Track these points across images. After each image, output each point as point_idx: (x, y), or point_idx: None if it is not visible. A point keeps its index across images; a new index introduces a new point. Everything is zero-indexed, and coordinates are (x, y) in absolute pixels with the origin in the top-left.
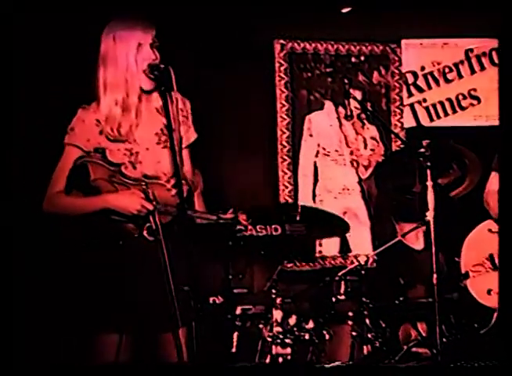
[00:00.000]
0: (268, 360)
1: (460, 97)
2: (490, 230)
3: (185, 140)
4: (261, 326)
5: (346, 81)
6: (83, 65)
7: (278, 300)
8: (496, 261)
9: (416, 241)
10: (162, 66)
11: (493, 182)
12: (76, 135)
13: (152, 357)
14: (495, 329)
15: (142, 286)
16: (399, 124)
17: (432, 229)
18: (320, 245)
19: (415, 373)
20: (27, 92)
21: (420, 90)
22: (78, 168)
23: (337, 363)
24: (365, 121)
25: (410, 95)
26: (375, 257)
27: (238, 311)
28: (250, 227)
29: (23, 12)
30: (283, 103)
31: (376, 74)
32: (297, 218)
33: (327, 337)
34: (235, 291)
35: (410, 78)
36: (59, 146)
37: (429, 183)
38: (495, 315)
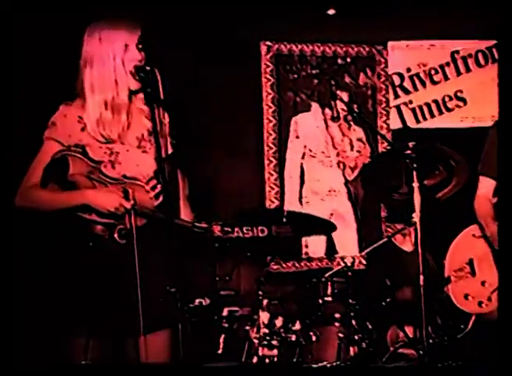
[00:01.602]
0: (254, 362)
1: (446, 99)
2: (474, 235)
3: (163, 151)
4: (247, 327)
5: (332, 82)
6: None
7: (264, 302)
8: (475, 266)
9: (404, 243)
10: (148, 68)
11: (481, 186)
12: (57, 129)
13: (118, 360)
14: (472, 334)
15: (113, 289)
16: (385, 126)
17: (419, 230)
18: (306, 247)
19: (402, 373)
20: (27, 92)
21: (407, 92)
22: (57, 161)
23: (324, 363)
24: (351, 123)
25: (396, 96)
26: (361, 258)
27: (225, 313)
28: (236, 229)
29: (23, 12)
30: (270, 104)
31: (362, 75)
32: (284, 220)
33: (314, 338)
34: (221, 292)
35: (396, 80)
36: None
37: (415, 185)
38: (472, 320)
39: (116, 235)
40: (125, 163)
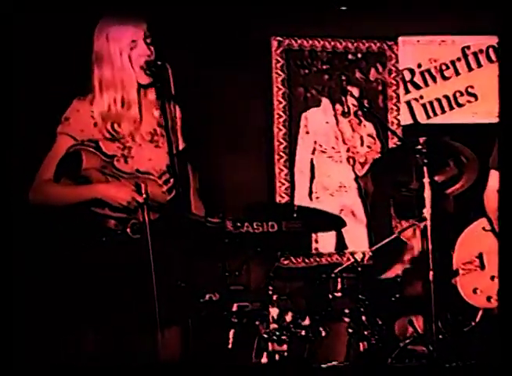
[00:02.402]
0: (264, 357)
1: (457, 94)
2: (484, 228)
3: (174, 147)
4: (257, 323)
5: (343, 78)
6: (83, 62)
7: (274, 297)
8: (485, 260)
9: (413, 238)
10: (159, 62)
11: (491, 180)
12: (70, 124)
13: (133, 356)
14: (479, 328)
15: (126, 284)
16: (396, 122)
17: (429, 226)
18: (316, 242)
19: (410, 372)
20: (27, 91)
21: (417, 87)
22: (70, 155)
23: (333, 363)
24: (362, 118)
25: (407, 92)
26: (371, 254)
27: (234, 308)
28: (246, 224)
29: (23, 12)
30: (280, 99)
31: (373, 71)
32: (294, 215)
33: (323, 334)
34: (231, 287)
35: (407, 75)
36: (51, 138)
37: (426, 180)
38: (480, 314)
39: (129, 229)
40: (138, 157)
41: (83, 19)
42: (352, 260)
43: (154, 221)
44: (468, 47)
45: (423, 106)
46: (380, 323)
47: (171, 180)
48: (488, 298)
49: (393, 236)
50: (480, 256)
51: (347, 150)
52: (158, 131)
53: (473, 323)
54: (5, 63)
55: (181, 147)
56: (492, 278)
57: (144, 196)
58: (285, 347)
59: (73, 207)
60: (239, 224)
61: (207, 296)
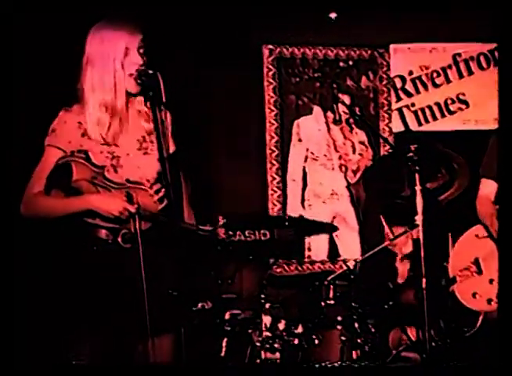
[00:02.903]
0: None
1: (449, 101)
2: (477, 236)
3: (165, 153)
4: (250, 331)
5: (334, 85)
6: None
7: (267, 305)
8: (482, 265)
9: (405, 245)
10: (150, 71)
11: (482, 187)
12: (57, 136)
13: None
14: (481, 332)
15: (117, 293)
16: (388, 129)
17: (421, 233)
18: (309, 250)
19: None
20: (27, 92)
21: (409, 94)
22: (60, 167)
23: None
24: (353, 126)
25: (398, 99)
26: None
27: (227, 316)
28: (238, 232)
29: (23, 12)
30: (272, 107)
31: (364, 78)
32: (286, 223)
33: (316, 342)
34: (224, 296)
35: (398, 83)
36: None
37: (417, 188)
38: (481, 318)
39: (120, 239)
40: (127, 166)
41: (83, 20)
42: (345, 268)
43: (146, 230)
44: (459, 54)
45: (415, 113)
46: (373, 330)
47: (163, 190)
48: (489, 301)
49: (384, 244)
50: (476, 261)
51: (339, 158)
52: (146, 138)
53: (474, 328)
54: (5, 64)
55: (171, 151)
56: (491, 281)
57: (136, 206)
58: (278, 355)
59: (64, 218)
60: (231, 232)
61: (200, 304)
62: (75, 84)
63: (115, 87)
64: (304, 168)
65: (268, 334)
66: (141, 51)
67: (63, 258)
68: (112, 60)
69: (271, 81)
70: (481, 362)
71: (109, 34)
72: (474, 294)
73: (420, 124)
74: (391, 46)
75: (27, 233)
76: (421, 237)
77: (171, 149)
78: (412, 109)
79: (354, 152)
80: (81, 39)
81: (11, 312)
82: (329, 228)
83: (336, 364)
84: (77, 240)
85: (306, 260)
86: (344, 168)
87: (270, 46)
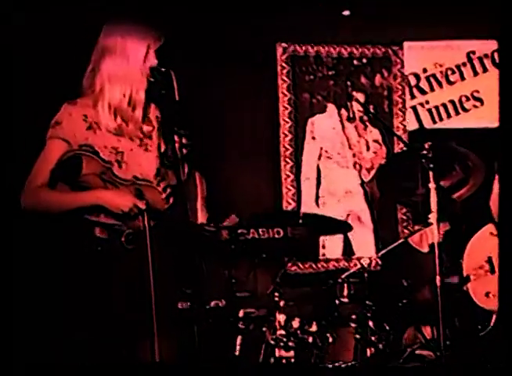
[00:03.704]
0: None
1: (463, 99)
2: (491, 233)
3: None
4: (264, 329)
5: (348, 83)
6: (82, 62)
7: (281, 303)
8: (495, 263)
9: (421, 244)
10: (163, 69)
11: (497, 184)
12: (63, 128)
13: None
14: (494, 331)
15: (123, 292)
16: (402, 127)
17: (435, 231)
18: (323, 248)
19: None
20: (27, 91)
21: (423, 92)
22: (68, 160)
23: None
24: (367, 124)
25: (413, 97)
26: (378, 259)
27: (241, 314)
28: (252, 230)
29: (23, 12)
30: (286, 106)
31: (378, 76)
32: (300, 221)
33: (330, 340)
34: (238, 294)
35: (413, 80)
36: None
37: (431, 185)
38: (494, 317)
39: (123, 239)
40: (130, 162)
41: (83, 19)
42: (359, 265)
43: (151, 228)
44: (473, 52)
45: (429, 111)
46: (387, 328)
47: (170, 188)
48: None
49: (399, 242)
50: (489, 260)
51: (354, 156)
52: (147, 134)
53: (488, 328)
54: (5, 64)
55: (184, 152)
56: None
57: (145, 202)
58: (292, 353)
59: (67, 216)
60: (243, 230)
61: (214, 303)
62: (79, 78)
63: (136, 81)
64: (318, 166)
65: (283, 332)
66: (157, 52)
67: (64, 256)
68: (135, 54)
69: (285, 79)
70: (495, 361)
71: (133, 29)
72: (487, 294)
73: (434, 121)
74: (405, 44)
75: (27, 229)
76: (435, 235)
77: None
78: (427, 106)
79: (368, 150)
80: (83, 33)
81: (10, 310)
82: (343, 228)
83: (348, 365)
84: (78, 239)
85: (321, 258)
86: (358, 166)
87: (284, 44)
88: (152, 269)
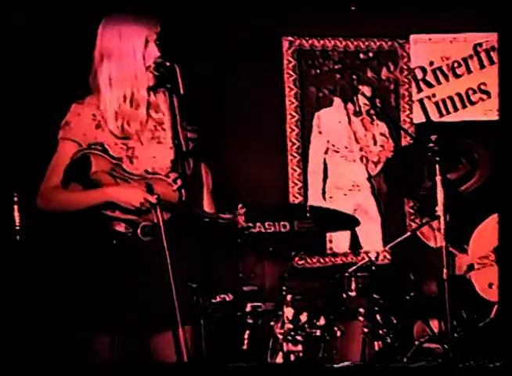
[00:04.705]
0: (279, 357)
1: (470, 92)
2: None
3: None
4: (272, 323)
5: (355, 77)
6: (83, 62)
7: (289, 297)
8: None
9: (431, 238)
10: (168, 63)
11: None
12: (72, 129)
13: (148, 358)
14: (495, 323)
15: (139, 285)
16: (408, 120)
17: (442, 224)
18: (331, 242)
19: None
20: (27, 91)
21: (429, 85)
22: (78, 160)
23: (346, 363)
24: (374, 117)
25: (419, 90)
26: (386, 253)
27: (248, 308)
28: (258, 224)
29: (23, 12)
30: (292, 100)
31: (384, 69)
32: (307, 214)
33: (338, 333)
34: (245, 288)
35: (419, 74)
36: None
37: (438, 178)
38: (495, 309)
39: (139, 231)
40: (142, 157)
41: (83, 19)
42: (367, 259)
43: (166, 221)
44: (480, 44)
45: (436, 104)
46: (395, 322)
47: (180, 179)
48: None
49: (406, 235)
50: (495, 250)
51: (360, 150)
52: (158, 127)
53: (488, 319)
54: (5, 64)
55: (190, 145)
56: None
57: (156, 196)
58: (300, 347)
59: (82, 211)
60: (251, 224)
61: (221, 297)
62: (85, 77)
63: (136, 79)
64: (324, 160)
65: (290, 326)
66: (158, 42)
67: (82, 252)
68: (133, 53)
69: (291, 73)
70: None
71: (127, 26)
72: (490, 285)
73: (441, 114)
74: (412, 37)
75: (44, 227)
76: (442, 228)
77: (189, 144)
78: (434, 100)
79: (375, 144)
80: (86, 33)
81: (9, 310)
82: (351, 222)
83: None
84: (96, 234)
85: (328, 252)
86: (365, 160)
87: (290, 38)
88: (170, 262)
